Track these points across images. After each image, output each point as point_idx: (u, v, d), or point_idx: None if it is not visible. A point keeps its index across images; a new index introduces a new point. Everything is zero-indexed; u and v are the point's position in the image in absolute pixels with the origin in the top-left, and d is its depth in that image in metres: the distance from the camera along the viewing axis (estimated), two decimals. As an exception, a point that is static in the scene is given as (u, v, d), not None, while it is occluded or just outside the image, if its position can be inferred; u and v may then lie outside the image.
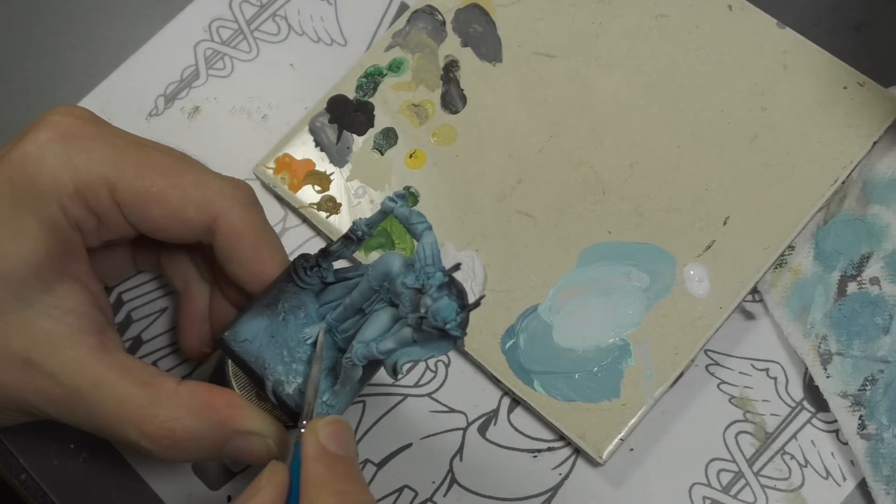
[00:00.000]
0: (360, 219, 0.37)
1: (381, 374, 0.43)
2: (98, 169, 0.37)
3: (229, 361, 0.37)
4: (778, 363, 0.45)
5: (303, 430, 0.34)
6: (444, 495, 0.44)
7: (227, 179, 0.39)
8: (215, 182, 0.38)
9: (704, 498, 0.43)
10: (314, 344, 0.37)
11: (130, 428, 0.35)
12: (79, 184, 0.36)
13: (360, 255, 0.46)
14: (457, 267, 0.34)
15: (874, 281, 0.45)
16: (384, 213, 0.37)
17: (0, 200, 0.36)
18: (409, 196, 0.48)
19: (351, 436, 0.35)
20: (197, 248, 0.42)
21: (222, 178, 0.39)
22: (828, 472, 0.44)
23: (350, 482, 0.33)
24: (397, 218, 0.36)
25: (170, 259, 0.43)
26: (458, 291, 0.33)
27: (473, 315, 0.45)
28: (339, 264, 0.39)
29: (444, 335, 0.34)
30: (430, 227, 0.35)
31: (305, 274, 0.38)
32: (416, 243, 0.35)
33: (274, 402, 0.36)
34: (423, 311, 0.33)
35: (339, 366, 0.37)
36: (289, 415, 0.36)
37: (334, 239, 0.39)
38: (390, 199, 0.36)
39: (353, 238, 0.37)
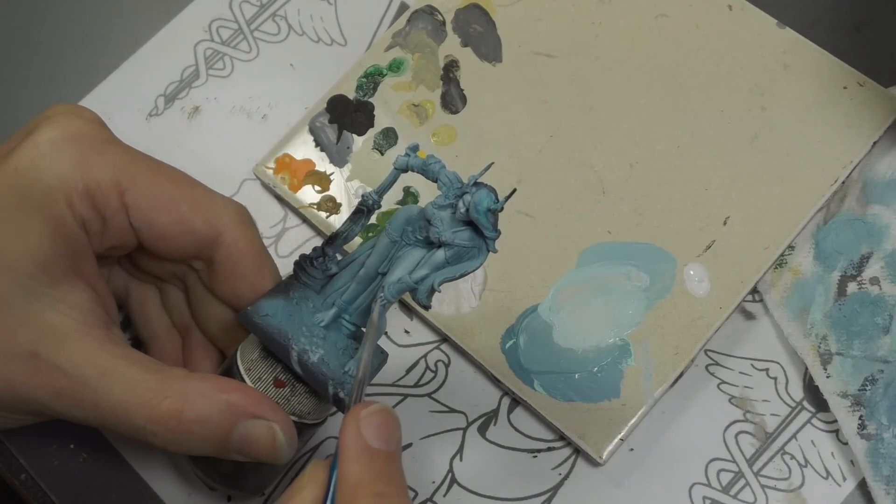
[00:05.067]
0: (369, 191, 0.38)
1: (381, 375, 0.43)
2: (110, 170, 0.37)
3: (239, 360, 0.38)
4: (778, 363, 0.45)
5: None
6: (444, 495, 0.44)
7: (230, 199, 0.40)
8: (221, 199, 0.39)
9: (704, 498, 0.43)
10: (327, 327, 0.37)
11: (138, 412, 0.35)
12: (89, 182, 0.36)
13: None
14: (487, 168, 0.36)
15: (874, 281, 0.45)
16: (399, 172, 0.37)
17: (6, 194, 0.36)
18: (409, 196, 0.48)
19: (395, 428, 0.33)
20: (170, 291, 0.43)
21: (225, 197, 0.40)
22: (828, 472, 0.44)
23: (388, 483, 0.32)
24: (413, 169, 0.37)
25: (140, 302, 0.43)
26: (491, 187, 0.35)
27: (473, 315, 0.45)
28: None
29: (477, 248, 0.36)
30: (445, 165, 0.37)
31: (311, 265, 0.38)
32: (438, 182, 0.36)
33: (299, 371, 0.36)
34: (463, 208, 0.35)
35: (351, 347, 0.37)
36: (315, 385, 0.36)
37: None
38: (403, 154, 0.37)
39: (363, 210, 0.38)
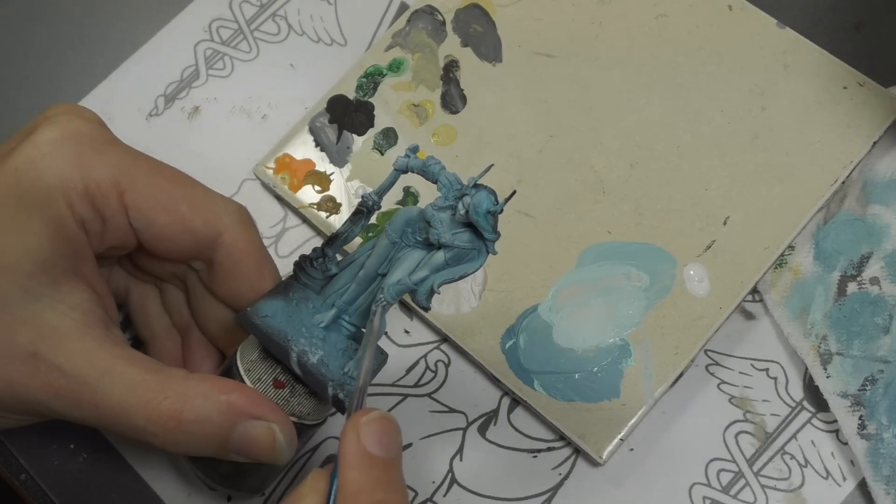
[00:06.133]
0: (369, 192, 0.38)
1: (381, 375, 0.43)
2: (110, 171, 0.37)
3: (238, 360, 0.38)
4: (778, 363, 0.45)
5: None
6: (444, 495, 0.44)
7: (229, 199, 0.40)
8: (220, 199, 0.39)
9: (704, 498, 0.43)
10: (327, 328, 0.37)
11: (138, 413, 0.35)
12: (88, 183, 0.36)
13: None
14: (487, 169, 0.36)
15: (874, 281, 0.45)
16: (399, 173, 0.37)
17: (6, 194, 0.36)
18: (409, 196, 0.48)
19: (395, 434, 0.33)
20: (170, 290, 0.43)
21: (225, 198, 0.40)
22: (828, 472, 0.44)
23: (388, 490, 0.32)
24: (413, 170, 0.37)
25: (140, 302, 0.43)
26: (491, 189, 0.35)
27: (473, 315, 0.45)
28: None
29: (476, 250, 0.36)
30: (444, 166, 0.36)
31: (311, 266, 0.38)
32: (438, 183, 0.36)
33: (299, 372, 0.36)
34: (463, 210, 0.34)
35: (351, 347, 0.37)
36: (314, 386, 0.36)
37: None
38: (403, 155, 0.37)
39: (363, 211, 0.38)
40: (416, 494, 0.44)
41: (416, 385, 0.46)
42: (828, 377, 0.44)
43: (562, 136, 0.48)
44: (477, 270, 0.36)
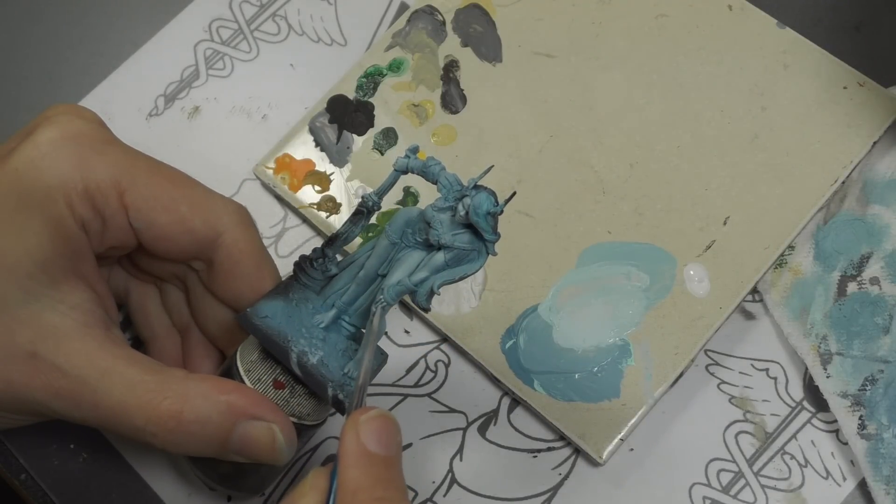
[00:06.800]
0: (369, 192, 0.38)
1: (381, 375, 0.43)
2: (110, 171, 0.37)
3: (238, 361, 0.38)
4: (778, 363, 0.45)
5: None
6: (444, 495, 0.44)
7: (229, 199, 0.40)
8: (221, 199, 0.39)
9: (704, 498, 0.43)
10: (327, 328, 0.37)
11: (137, 413, 0.35)
12: (88, 183, 0.36)
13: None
14: (487, 170, 0.36)
15: (874, 281, 0.45)
16: (398, 174, 0.37)
17: (6, 194, 0.36)
18: (410, 196, 0.48)
19: (395, 433, 0.33)
20: (170, 290, 0.43)
21: (225, 198, 0.40)
22: (828, 472, 0.44)
23: (387, 488, 0.32)
24: (413, 171, 0.37)
25: (140, 302, 0.43)
26: (491, 190, 0.35)
27: (473, 315, 0.45)
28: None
29: (476, 251, 0.36)
30: (445, 167, 0.36)
31: (311, 266, 0.38)
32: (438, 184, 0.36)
33: (299, 373, 0.36)
34: (463, 211, 0.34)
35: (351, 348, 0.37)
36: (314, 387, 0.36)
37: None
38: (403, 156, 0.37)
39: (363, 211, 0.38)
40: (416, 494, 0.44)
41: (416, 385, 0.46)
42: (828, 377, 0.44)
43: (562, 136, 0.48)
44: (477, 271, 0.36)
